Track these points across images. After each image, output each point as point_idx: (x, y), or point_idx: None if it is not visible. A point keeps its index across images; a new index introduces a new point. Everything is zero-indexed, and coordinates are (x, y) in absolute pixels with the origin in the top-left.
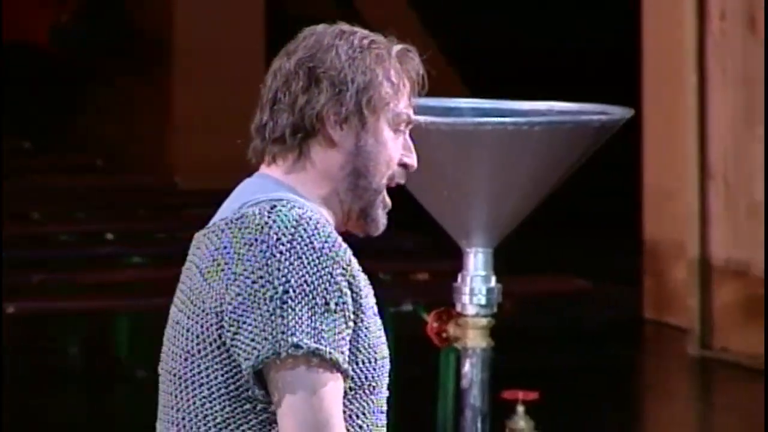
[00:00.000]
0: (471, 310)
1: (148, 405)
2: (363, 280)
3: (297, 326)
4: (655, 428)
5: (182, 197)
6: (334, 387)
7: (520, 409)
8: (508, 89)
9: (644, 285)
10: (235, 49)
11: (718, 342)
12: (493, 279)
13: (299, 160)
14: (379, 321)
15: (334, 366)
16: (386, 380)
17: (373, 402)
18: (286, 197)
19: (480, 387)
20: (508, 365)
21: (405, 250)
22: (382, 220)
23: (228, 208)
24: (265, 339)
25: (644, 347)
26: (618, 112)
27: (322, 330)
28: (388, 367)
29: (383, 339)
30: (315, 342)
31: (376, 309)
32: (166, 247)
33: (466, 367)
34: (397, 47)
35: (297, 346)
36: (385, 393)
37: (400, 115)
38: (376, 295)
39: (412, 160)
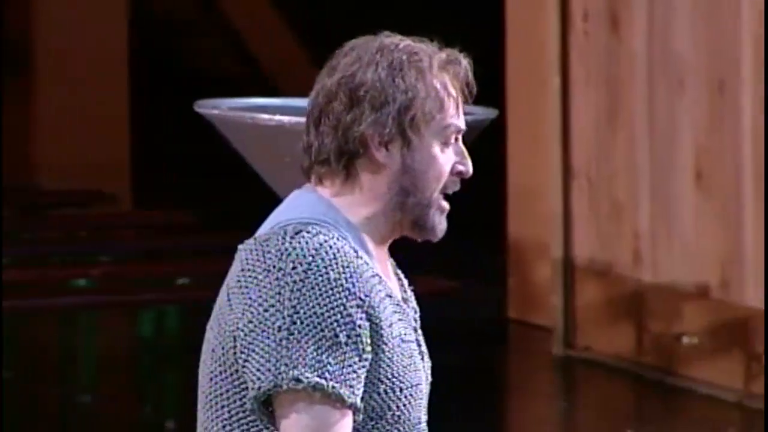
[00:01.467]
0: None
1: None
2: (389, 309)
3: (300, 359)
4: (519, 427)
5: (46, 197)
6: (339, 422)
7: None
8: None
9: (509, 285)
10: (97, 52)
11: (582, 341)
12: None
13: (347, 181)
14: (410, 347)
15: (338, 401)
16: (417, 408)
17: (398, 431)
18: (319, 220)
19: None
20: None
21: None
22: (440, 226)
23: (269, 222)
24: (269, 370)
25: (509, 347)
26: (482, 113)
27: (328, 363)
28: (420, 395)
29: (415, 366)
30: (318, 376)
31: (409, 334)
32: (29, 248)
33: None
34: (440, 56)
35: (297, 380)
36: (416, 420)
37: (448, 128)
38: None
39: (467, 166)
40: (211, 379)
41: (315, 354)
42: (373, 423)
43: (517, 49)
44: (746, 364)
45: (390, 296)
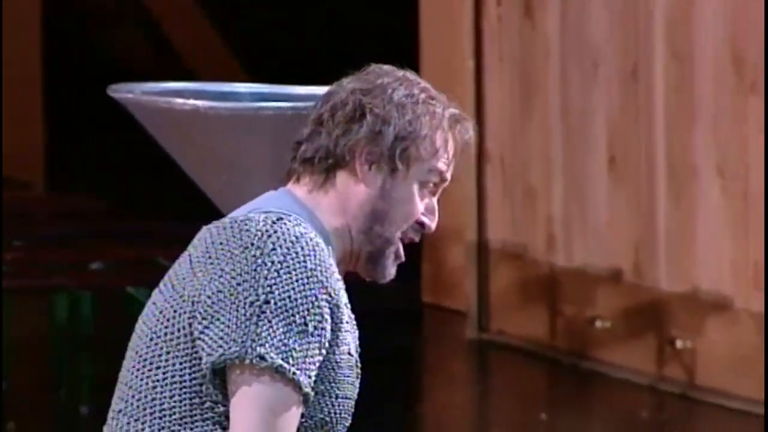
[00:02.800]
0: None
1: None
2: (347, 316)
3: (268, 338)
4: (433, 411)
5: None
6: (291, 408)
7: None
8: (286, 73)
9: (422, 270)
10: (10, 39)
11: (495, 325)
12: None
13: (323, 184)
14: (353, 361)
15: (295, 387)
16: (343, 420)
17: None
18: (297, 214)
19: None
20: None
21: (183, 234)
22: (390, 270)
23: (240, 212)
24: (233, 341)
25: (423, 332)
26: None
27: (293, 349)
28: (348, 409)
29: (352, 380)
30: (282, 359)
31: (354, 349)
32: None
33: None
34: (452, 111)
35: (262, 358)
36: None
37: (431, 174)
38: (155, 279)
39: (432, 222)
40: (151, 339)
41: (283, 337)
42: (302, 421)
43: (431, 33)
44: (659, 348)
45: (347, 305)
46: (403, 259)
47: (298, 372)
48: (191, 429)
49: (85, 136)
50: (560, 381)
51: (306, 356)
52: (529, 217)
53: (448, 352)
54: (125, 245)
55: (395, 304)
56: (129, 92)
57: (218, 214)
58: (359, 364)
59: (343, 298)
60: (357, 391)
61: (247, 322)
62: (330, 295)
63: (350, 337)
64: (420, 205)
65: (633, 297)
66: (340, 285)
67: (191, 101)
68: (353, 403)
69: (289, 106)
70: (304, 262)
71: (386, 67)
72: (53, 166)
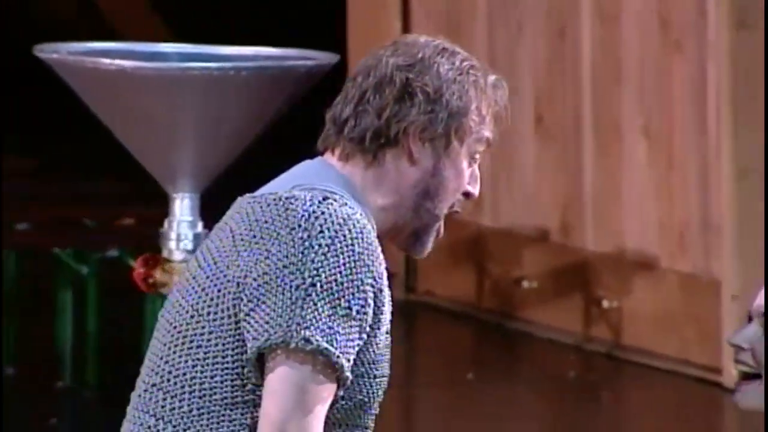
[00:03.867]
0: (178, 255)
1: None
2: (387, 296)
3: (314, 321)
4: None
5: None
6: (327, 390)
7: None
8: (213, 34)
9: None
10: None
11: (423, 286)
12: (200, 224)
13: (371, 165)
14: (388, 339)
15: (337, 370)
16: (378, 398)
17: (360, 417)
18: (341, 193)
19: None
20: None
21: (110, 195)
22: (429, 246)
23: (279, 185)
24: (279, 325)
25: None
26: (323, 58)
27: (337, 332)
28: (384, 386)
29: (387, 358)
30: (327, 342)
31: (389, 327)
32: None
33: None
34: (492, 77)
35: (307, 341)
36: (375, 411)
37: (480, 144)
38: (82, 240)
39: (476, 190)
40: (192, 317)
41: (328, 320)
42: (342, 403)
43: None
44: (585, 307)
45: (389, 287)
46: (442, 234)
47: (341, 355)
48: (232, 410)
49: (9, 96)
50: (487, 341)
51: (348, 339)
52: None
53: None
54: (51, 206)
55: None
56: (55, 52)
57: (144, 174)
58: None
59: (386, 280)
60: (391, 365)
61: (293, 306)
62: (375, 279)
63: (388, 318)
64: (466, 177)
65: (559, 257)
66: (384, 267)
67: (117, 61)
68: (387, 379)
69: (216, 66)
70: (352, 245)
71: (421, 38)
72: None
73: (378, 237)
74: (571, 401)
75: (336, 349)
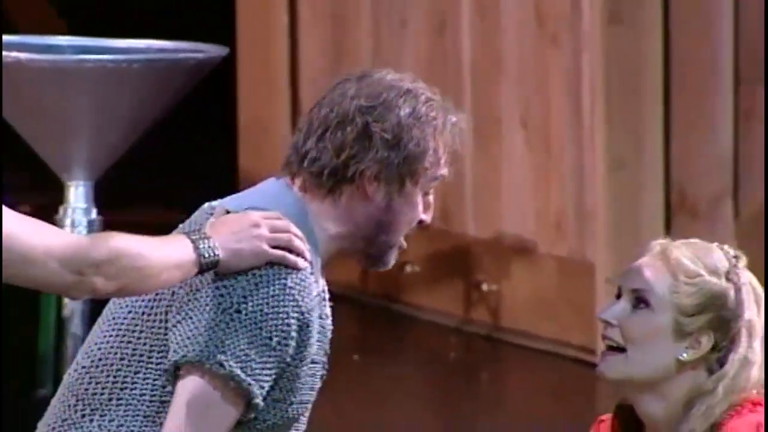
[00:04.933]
0: None
1: None
2: (316, 330)
3: (230, 346)
4: None
5: None
6: (231, 416)
7: None
8: (106, 26)
9: None
10: None
11: None
12: (94, 211)
13: (327, 197)
14: (316, 368)
15: (246, 396)
16: (296, 422)
17: None
18: (293, 218)
19: (81, 316)
20: None
21: (5, 184)
22: (390, 263)
23: (237, 202)
24: (198, 344)
25: None
26: (213, 50)
27: (253, 360)
28: (304, 411)
29: (312, 386)
30: (240, 369)
31: (322, 354)
32: None
33: (71, 309)
34: (452, 118)
35: (221, 365)
36: (298, 430)
37: (435, 180)
38: None
39: (429, 217)
40: (129, 312)
41: (245, 347)
42: (254, 423)
43: None
44: (465, 291)
45: (322, 317)
46: (404, 246)
47: (253, 383)
48: (148, 407)
49: None
50: (372, 324)
51: (264, 368)
52: None
53: None
54: None
55: None
56: None
57: (39, 164)
58: (326, 366)
59: (317, 312)
60: (317, 389)
61: (215, 328)
62: (302, 314)
63: (317, 347)
64: (420, 209)
65: (441, 242)
66: (315, 302)
67: (14, 53)
68: (310, 405)
69: (109, 58)
70: (285, 279)
71: (388, 76)
72: None
73: (330, 260)
74: (453, 381)
75: (248, 376)
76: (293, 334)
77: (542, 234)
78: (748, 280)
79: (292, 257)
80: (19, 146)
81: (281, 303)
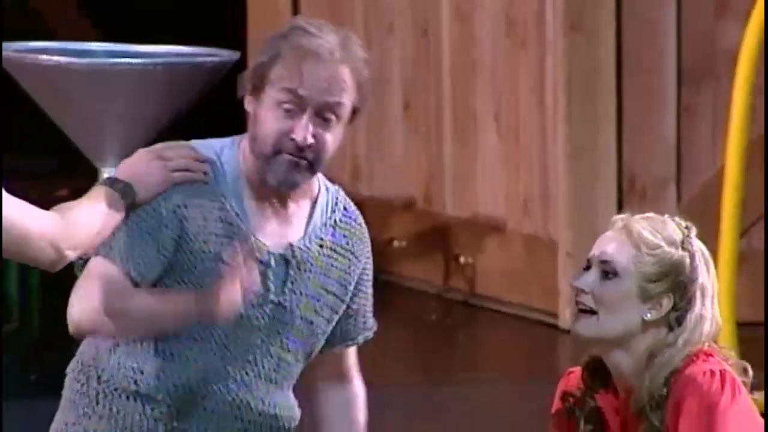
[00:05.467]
0: None
1: None
2: (212, 228)
3: (119, 239)
4: None
5: None
6: (120, 281)
7: None
8: (133, 34)
9: None
10: None
11: None
12: None
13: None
14: (226, 269)
15: (129, 275)
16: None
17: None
18: (223, 143)
19: None
20: None
21: (47, 171)
22: (278, 176)
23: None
24: (104, 244)
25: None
26: (227, 55)
27: (124, 243)
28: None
29: (219, 284)
30: (109, 249)
31: (224, 255)
32: None
33: None
34: (302, 37)
35: (108, 253)
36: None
37: (283, 93)
38: None
39: (299, 136)
40: None
41: (124, 235)
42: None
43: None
44: (445, 263)
45: (225, 222)
46: (301, 165)
47: (123, 258)
48: None
49: None
50: (393, 311)
51: (134, 249)
52: (338, 154)
53: None
54: None
55: None
56: (10, 51)
57: (74, 152)
58: (270, 282)
59: (214, 213)
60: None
61: (120, 232)
62: (177, 206)
63: (223, 248)
64: (279, 123)
65: (424, 222)
66: (206, 203)
67: (54, 57)
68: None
69: (138, 62)
70: (180, 182)
71: (299, 20)
72: None
73: (264, 186)
74: (433, 341)
75: (117, 254)
76: (167, 224)
77: (511, 214)
78: (699, 247)
79: (191, 174)
80: (59, 138)
81: (159, 201)
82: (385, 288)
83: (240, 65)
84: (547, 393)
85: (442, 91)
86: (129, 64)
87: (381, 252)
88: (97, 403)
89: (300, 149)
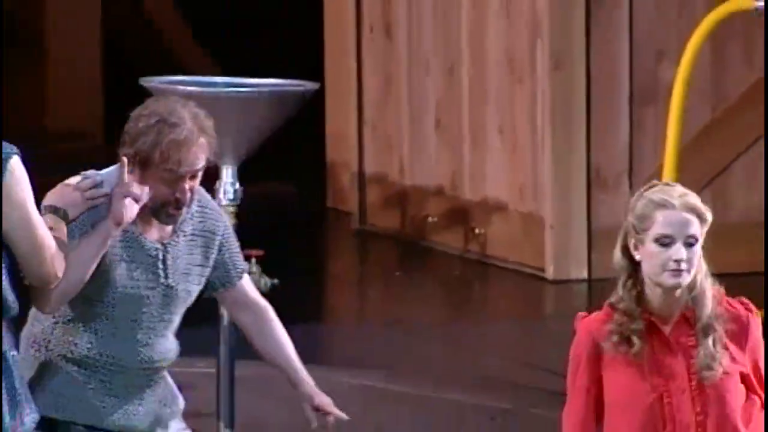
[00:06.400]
0: (224, 201)
1: None
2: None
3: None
4: (334, 267)
5: None
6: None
7: (253, 261)
8: (245, 68)
9: (328, 189)
10: (74, 35)
11: (370, 221)
12: (237, 184)
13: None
14: (131, 267)
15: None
16: (126, 308)
17: (91, 316)
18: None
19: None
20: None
21: None
22: (162, 220)
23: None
24: None
25: (326, 225)
26: (309, 85)
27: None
28: (130, 300)
29: (131, 277)
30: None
31: (138, 260)
32: None
33: None
34: (175, 132)
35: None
36: (129, 318)
37: (168, 173)
38: None
39: (185, 198)
40: None
41: (69, 239)
42: (89, 303)
43: (334, 19)
44: (465, 233)
45: (126, 231)
46: (178, 212)
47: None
48: None
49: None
50: (408, 254)
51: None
52: (389, 156)
53: (342, 237)
54: None
55: (310, 210)
56: (154, 82)
57: None
58: (161, 269)
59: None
60: (170, 291)
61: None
62: (92, 218)
63: (123, 251)
64: (165, 190)
65: (450, 203)
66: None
67: (189, 88)
68: (147, 299)
69: (244, 90)
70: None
71: (174, 103)
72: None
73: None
74: (456, 290)
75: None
76: (87, 229)
77: (511, 198)
78: None
79: (99, 199)
80: None
81: (81, 219)
82: (422, 252)
83: (319, 93)
84: (537, 325)
85: (462, 112)
86: (239, 92)
87: (419, 225)
88: (48, 362)
89: (180, 204)
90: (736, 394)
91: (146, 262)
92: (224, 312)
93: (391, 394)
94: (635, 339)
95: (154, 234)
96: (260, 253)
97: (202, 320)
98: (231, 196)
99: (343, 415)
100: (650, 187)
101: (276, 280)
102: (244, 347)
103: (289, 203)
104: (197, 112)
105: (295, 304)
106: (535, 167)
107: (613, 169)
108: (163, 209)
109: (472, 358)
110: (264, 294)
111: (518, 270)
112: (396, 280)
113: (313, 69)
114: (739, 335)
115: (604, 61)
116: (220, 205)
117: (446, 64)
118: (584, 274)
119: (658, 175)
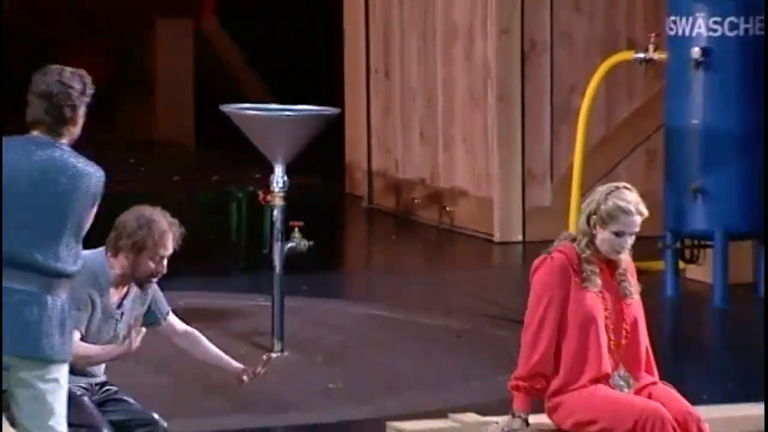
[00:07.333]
0: (277, 189)
1: None
2: (99, 309)
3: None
4: (347, 239)
5: None
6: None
7: (296, 230)
8: (294, 95)
9: (347, 179)
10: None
11: (377, 201)
12: (286, 177)
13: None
14: (104, 330)
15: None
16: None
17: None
18: (97, 253)
19: (280, 225)
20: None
21: (247, 160)
22: (142, 287)
23: (87, 254)
24: None
25: (345, 204)
26: (332, 110)
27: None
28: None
29: (101, 337)
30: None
31: (106, 327)
32: None
33: (275, 214)
34: (162, 234)
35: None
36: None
37: (156, 258)
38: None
39: (163, 269)
40: None
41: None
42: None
43: (351, 64)
44: (439, 210)
45: (102, 303)
46: (155, 279)
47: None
48: None
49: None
50: (400, 225)
51: (79, 321)
52: (385, 158)
53: (356, 214)
54: (213, 169)
55: (334, 195)
56: (230, 109)
57: (260, 154)
58: (117, 336)
59: (97, 301)
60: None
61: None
62: (91, 299)
63: (101, 322)
64: (149, 269)
65: (429, 189)
66: (93, 294)
67: (253, 112)
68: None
69: (289, 114)
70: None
71: (143, 211)
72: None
73: (121, 278)
74: (433, 248)
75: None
76: (88, 303)
77: (471, 186)
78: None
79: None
80: (255, 148)
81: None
82: (410, 223)
83: (340, 115)
84: (488, 273)
85: (438, 127)
86: (287, 115)
87: (408, 205)
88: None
89: (158, 274)
90: (641, 309)
91: (109, 323)
92: (277, 262)
93: (388, 320)
94: (595, 278)
95: (114, 297)
96: (301, 223)
97: (261, 268)
98: (281, 185)
99: (260, 368)
100: (615, 189)
101: (312, 242)
102: (292, 287)
103: (320, 190)
104: (164, 212)
105: (324, 257)
106: (487, 166)
107: (540, 168)
108: (146, 279)
109: (444, 294)
110: (302, 252)
111: (475, 235)
112: (392, 242)
113: (333, 98)
114: (633, 278)
115: (533, 93)
116: (273, 191)
117: (427, 95)
118: (520, 238)
119: (569, 172)
